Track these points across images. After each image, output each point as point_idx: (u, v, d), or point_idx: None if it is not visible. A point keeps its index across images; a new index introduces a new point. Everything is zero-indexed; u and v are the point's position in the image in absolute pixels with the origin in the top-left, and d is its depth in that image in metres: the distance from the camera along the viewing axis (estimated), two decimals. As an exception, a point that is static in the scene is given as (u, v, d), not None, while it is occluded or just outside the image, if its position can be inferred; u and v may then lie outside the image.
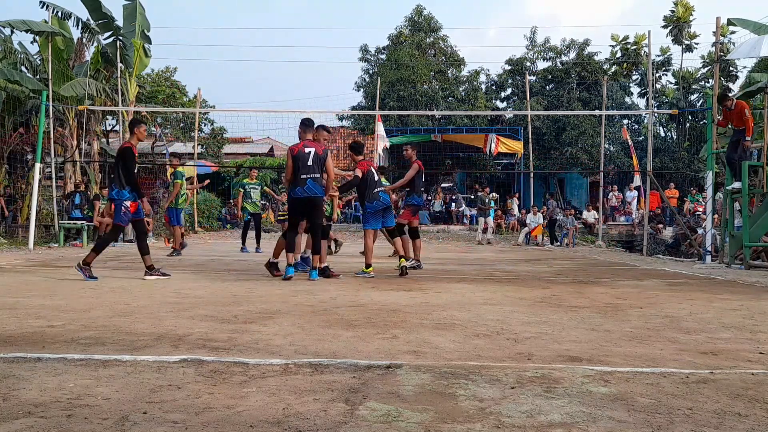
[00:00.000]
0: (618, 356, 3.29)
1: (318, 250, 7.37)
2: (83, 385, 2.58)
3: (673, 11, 28.71)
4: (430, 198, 25.65)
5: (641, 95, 30.38)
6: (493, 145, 24.32)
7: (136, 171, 7.21)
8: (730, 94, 11.28)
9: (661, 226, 19.52)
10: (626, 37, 30.79)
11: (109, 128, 24.18)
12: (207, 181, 15.76)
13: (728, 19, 14.48)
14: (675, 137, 29.17)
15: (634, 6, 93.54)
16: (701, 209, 17.43)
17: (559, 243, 18.38)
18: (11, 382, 2.62)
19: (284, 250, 7.41)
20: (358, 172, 7.74)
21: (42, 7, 16.84)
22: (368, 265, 7.70)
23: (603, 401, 2.45)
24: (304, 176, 7.02)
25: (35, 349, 3.25)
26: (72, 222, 14.72)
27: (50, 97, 14.32)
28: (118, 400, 2.39)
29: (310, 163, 7.04)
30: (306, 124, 7.34)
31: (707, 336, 3.93)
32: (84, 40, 18.73)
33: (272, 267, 7.59)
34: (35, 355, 3.10)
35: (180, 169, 12.25)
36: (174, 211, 11.52)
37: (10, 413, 2.22)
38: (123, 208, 7.05)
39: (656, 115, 23.86)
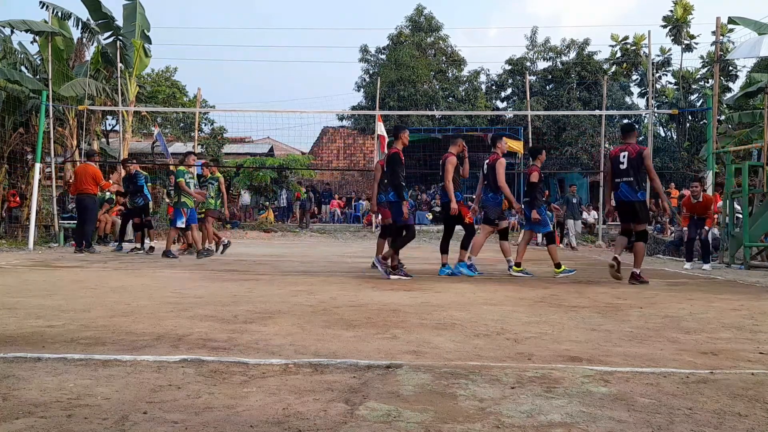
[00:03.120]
0: (618, 356, 3.29)
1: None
2: (83, 385, 2.58)
3: (671, 11, 28.71)
4: (430, 198, 25.66)
5: (641, 95, 30.39)
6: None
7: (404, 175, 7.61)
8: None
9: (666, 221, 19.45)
10: (626, 38, 30.80)
11: (109, 128, 24.20)
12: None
13: (729, 18, 14.49)
14: (675, 137, 29.17)
15: (636, 6, 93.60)
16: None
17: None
18: (11, 382, 2.61)
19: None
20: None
21: (42, 7, 16.84)
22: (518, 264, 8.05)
23: (603, 401, 2.45)
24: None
25: (35, 349, 3.25)
26: (72, 222, 14.71)
27: (50, 97, 14.32)
28: (118, 400, 2.39)
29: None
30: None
31: (707, 336, 3.93)
32: (84, 40, 18.74)
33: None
34: (35, 355, 3.10)
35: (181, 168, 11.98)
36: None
37: (10, 413, 2.22)
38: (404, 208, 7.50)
39: (656, 115, 23.86)
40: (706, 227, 9.98)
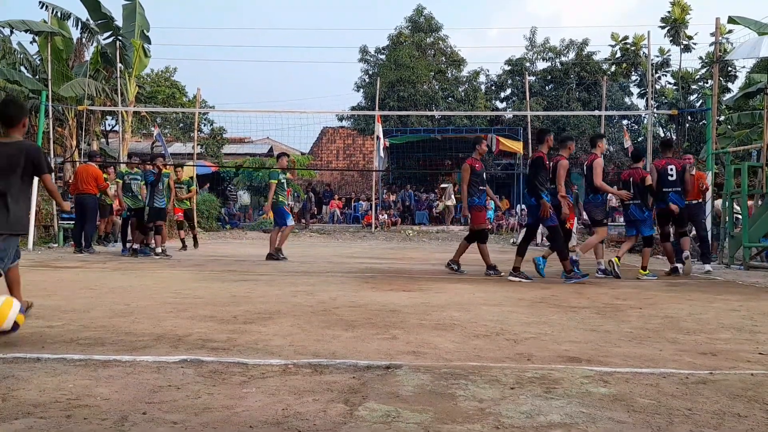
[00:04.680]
0: (617, 357, 3.29)
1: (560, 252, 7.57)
2: (83, 386, 2.58)
3: (669, 12, 28.71)
4: (432, 198, 25.69)
5: (641, 95, 30.38)
6: (493, 143, 24.29)
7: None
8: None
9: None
10: (626, 37, 30.79)
11: (108, 128, 24.18)
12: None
13: (729, 17, 14.46)
14: (674, 138, 29.18)
15: (636, 6, 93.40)
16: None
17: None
18: (10, 383, 2.61)
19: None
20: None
21: (41, 7, 16.83)
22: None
23: (602, 402, 2.46)
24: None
25: (34, 350, 3.25)
26: (71, 222, 14.68)
27: (50, 97, 14.30)
28: (118, 400, 2.39)
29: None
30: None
31: (707, 336, 3.93)
32: (83, 40, 18.74)
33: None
34: (34, 356, 3.10)
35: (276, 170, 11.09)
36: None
37: (9, 413, 2.22)
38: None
39: (656, 115, 23.88)
40: (701, 202, 9.86)
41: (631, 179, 8.22)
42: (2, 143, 3.90)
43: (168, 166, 12.63)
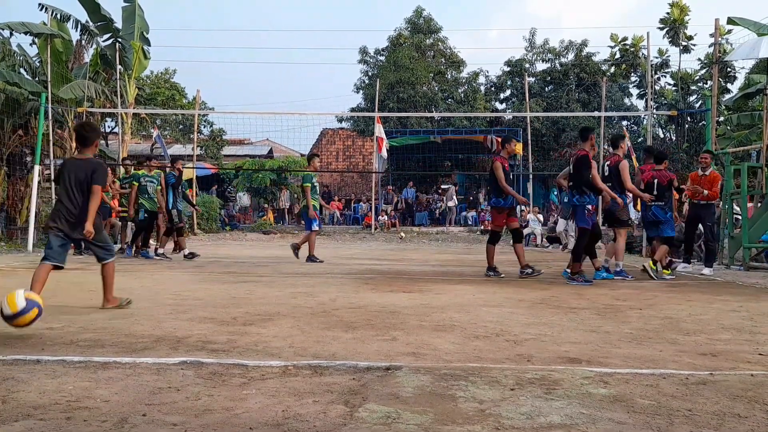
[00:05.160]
0: (617, 357, 3.29)
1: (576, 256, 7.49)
2: (82, 387, 2.58)
3: (668, 13, 28.74)
4: (434, 199, 25.69)
5: (640, 96, 30.40)
6: (493, 143, 24.28)
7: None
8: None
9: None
10: (625, 38, 30.81)
11: (108, 130, 24.17)
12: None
13: (728, 18, 14.50)
14: (674, 139, 29.20)
15: (635, 7, 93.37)
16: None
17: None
18: (10, 384, 2.61)
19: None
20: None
21: (41, 9, 16.86)
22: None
23: (603, 403, 2.45)
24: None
25: (34, 351, 3.25)
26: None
27: (49, 99, 14.30)
28: (118, 402, 2.39)
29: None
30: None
31: (707, 337, 3.93)
32: (83, 42, 18.75)
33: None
34: (34, 357, 3.10)
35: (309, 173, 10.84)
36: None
37: (9, 415, 2.22)
38: (586, 211, 7.43)
39: (655, 116, 23.89)
40: (712, 203, 9.61)
41: (655, 181, 8.19)
42: (78, 159, 4.87)
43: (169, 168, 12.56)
